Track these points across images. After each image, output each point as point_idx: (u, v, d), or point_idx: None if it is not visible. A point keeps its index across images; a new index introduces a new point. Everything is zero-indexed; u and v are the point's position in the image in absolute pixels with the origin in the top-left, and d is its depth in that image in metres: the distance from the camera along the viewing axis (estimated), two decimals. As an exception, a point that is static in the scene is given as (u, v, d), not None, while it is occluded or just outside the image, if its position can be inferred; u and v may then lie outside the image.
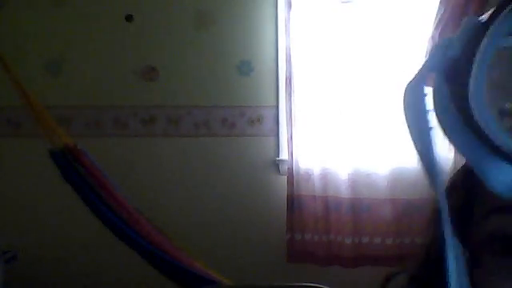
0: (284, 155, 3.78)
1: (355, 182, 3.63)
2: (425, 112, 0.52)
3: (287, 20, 3.65)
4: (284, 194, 3.70)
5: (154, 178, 3.87)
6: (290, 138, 3.66)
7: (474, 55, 0.48)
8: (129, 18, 3.84)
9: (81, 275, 3.84)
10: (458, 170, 0.65)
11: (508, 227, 0.54)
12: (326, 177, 3.65)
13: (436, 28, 3.27)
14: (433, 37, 3.28)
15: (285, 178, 3.71)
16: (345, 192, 3.63)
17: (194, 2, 3.85)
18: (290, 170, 3.67)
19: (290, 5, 3.64)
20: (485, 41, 0.48)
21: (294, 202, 3.67)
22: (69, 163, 3.01)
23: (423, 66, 0.53)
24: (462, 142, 0.49)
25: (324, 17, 3.64)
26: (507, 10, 0.48)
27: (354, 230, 3.64)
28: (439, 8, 3.28)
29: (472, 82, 0.47)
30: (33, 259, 3.73)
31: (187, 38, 3.85)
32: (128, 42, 3.86)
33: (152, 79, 3.87)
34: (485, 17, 0.50)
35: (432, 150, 0.50)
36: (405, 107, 0.53)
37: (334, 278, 3.45)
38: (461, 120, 0.49)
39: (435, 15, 3.30)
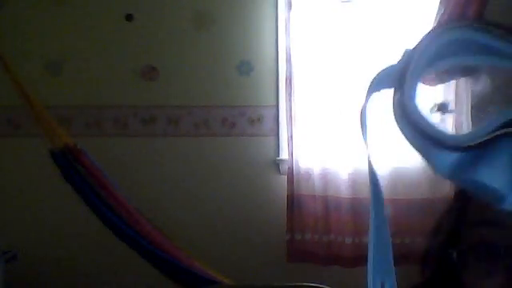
0: (284, 155, 3.78)
1: (355, 181, 3.63)
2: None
3: (287, 20, 3.65)
4: (284, 193, 3.70)
5: (153, 177, 3.87)
6: (290, 138, 3.66)
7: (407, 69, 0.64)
8: (129, 18, 3.84)
9: (81, 275, 3.84)
10: (454, 195, 0.79)
11: (490, 237, 0.67)
12: (326, 176, 3.65)
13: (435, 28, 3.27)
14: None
15: (285, 177, 3.71)
16: (345, 192, 3.63)
17: (194, 1, 3.85)
18: (290, 169, 3.67)
19: (290, 5, 3.64)
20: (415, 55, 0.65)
21: (294, 201, 3.68)
22: (69, 163, 3.01)
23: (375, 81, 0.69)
24: (412, 138, 0.61)
25: (324, 17, 3.64)
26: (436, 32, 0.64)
27: (354, 229, 3.64)
28: (439, 8, 3.28)
29: (406, 88, 0.62)
30: (33, 259, 3.73)
31: (187, 38, 3.85)
32: (128, 41, 3.86)
33: (152, 79, 3.87)
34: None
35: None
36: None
37: (334, 278, 3.45)
38: (405, 120, 0.62)
39: (435, 15, 3.31)
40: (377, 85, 0.67)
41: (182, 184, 3.87)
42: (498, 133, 0.53)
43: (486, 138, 0.54)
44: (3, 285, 3.27)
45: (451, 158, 0.56)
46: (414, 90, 0.63)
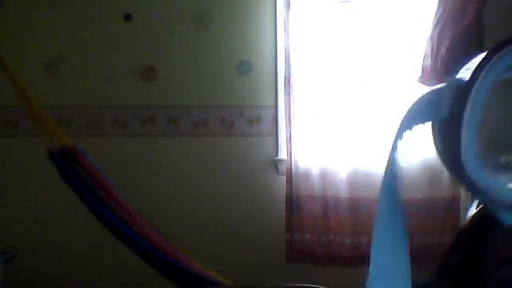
0: (283, 155, 3.78)
1: (354, 181, 3.63)
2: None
3: (286, 20, 3.65)
4: (283, 193, 3.70)
5: (152, 177, 3.87)
6: (289, 138, 3.66)
7: (461, 117, 0.54)
8: (128, 18, 3.84)
9: (80, 275, 3.84)
10: (472, 219, 0.79)
11: None
12: (324, 176, 3.65)
13: (435, 28, 3.27)
14: (431, 36, 3.28)
15: (284, 177, 3.71)
16: (344, 192, 3.63)
17: (193, 1, 3.84)
18: (289, 169, 3.67)
19: (288, 5, 3.64)
20: (469, 104, 0.54)
21: (292, 201, 3.67)
22: (68, 163, 3.01)
23: (412, 115, 0.62)
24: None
25: (323, 16, 3.64)
26: (487, 68, 0.53)
27: (353, 229, 3.64)
28: (438, 8, 3.28)
29: (463, 142, 0.54)
30: (32, 259, 3.73)
31: (186, 38, 3.85)
32: (127, 41, 3.86)
33: (151, 79, 3.87)
34: (467, 76, 0.55)
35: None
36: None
37: (333, 278, 3.45)
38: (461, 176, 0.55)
39: (434, 15, 3.31)
40: (415, 117, 0.61)
41: (181, 184, 3.87)
42: None
43: None
44: (2, 285, 3.26)
45: None
46: (473, 141, 0.53)
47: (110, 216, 2.99)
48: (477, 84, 0.53)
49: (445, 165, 0.57)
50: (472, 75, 0.54)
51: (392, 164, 0.61)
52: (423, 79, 3.42)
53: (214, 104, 3.86)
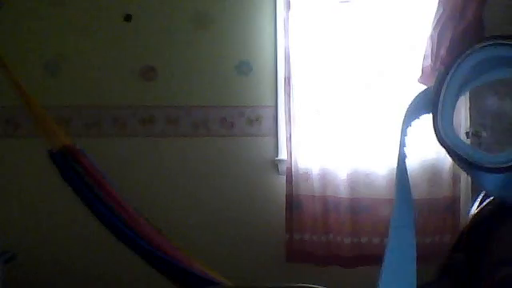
0: (283, 155, 3.78)
1: (354, 181, 3.63)
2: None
3: (286, 20, 3.65)
4: (283, 193, 3.70)
5: (152, 178, 3.87)
6: (289, 138, 3.66)
7: (438, 94, 0.69)
8: (128, 18, 3.84)
9: (79, 276, 3.84)
10: (473, 219, 0.83)
11: None
12: (324, 177, 3.65)
13: (435, 28, 3.27)
14: (431, 36, 3.28)
15: (284, 177, 3.71)
16: (344, 192, 3.63)
17: (193, 2, 3.84)
18: (289, 169, 3.67)
19: (288, 5, 3.64)
20: (444, 85, 0.68)
21: (292, 201, 3.67)
22: (68, 163, 3.01)
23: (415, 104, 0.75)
24: (455, 160, 0.65)
25: (323, 17, 3.64)
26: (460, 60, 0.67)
27: (353, 229, 3.64)
28: (438, 8, 3.28)
29: (439, 114, 0.67)
30: (32, 259, 3.73)
31: (186, 38, 3.85)
32: (127, 41, 3.86)
33: (151, 79, 3.87)
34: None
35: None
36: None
37: (333, 278, 3.45)
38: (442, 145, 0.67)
39: (434, 15, 3.31)
40: (413, 112, 0.72)
41: (181, 184, 3.87)
42: None
43: None
44: (2, 285, 3.27)
45: (495, 178, 0.59)
46: (448, 115, 0.66)
47: (110, 216, 2.99)
48: (452, 69, 0.67)
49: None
50: (451, 63, 0.69)
51: (402, 160, 0.72)
52: (423, 79, 3.43)
53: (214, 104, 3.86)
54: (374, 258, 3.59)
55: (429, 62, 3.30)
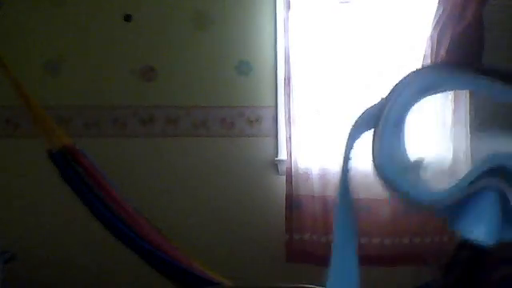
0: (283, 155, 3.78)
1: (353, 182, 3.62)
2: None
3: (286, 20, 3.65)
4: (283, 194, 3.70)
5: (152, 178, 3.87)
6: (289, 138, 3.66)
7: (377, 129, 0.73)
8: (127, 18, 3.84)
9: (79, 276, 3.84)
10: None
11: None
12: (324, 177, 3.65)
13: (434, 28, 3.27)
14: (431, 36, 3.29)
15: (283, 178, 3.71)
16: (344, 192, 3.62)
17: (193, 2, 3.84)
18: (289, 170, 3.67)
19: (288, 5, 3.64)
20: (383, 120, 0.71)
21: (292, 202, 3.67)
22: (67, 163, 3.00)
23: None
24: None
25: (323, 17, 3.64)
26: (400, 87, 0.67)
27: (353, 230, 3.63)
28: (438, 8, 3.28)
29: (376, 148, 0.70)
30: (31, 259, 3.73)
31: (186, 38, 3.85)
32: (127, 41, 3.86)
33: (151, 79, 3.87)
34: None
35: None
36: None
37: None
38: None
39: (434, 15, 3.31)
40: (357, 131, 0.76)
41: (181, 184, 3.87)
42: (476, 187, 0.55)
43: (467, 193, 0.56)
44: (2, 285, 3.26)
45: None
46: (389, 144, 0.66)
47: (110, 216, 2.99)
48: (390, 103, 0.66)
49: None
50: (390, 93, 0.66)
51: (345, 175, 0.73)
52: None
53: (214, 104, 3.86)
54: (373, 259, 3.59)
55: (429, 62, 3.31)
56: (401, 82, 0.65)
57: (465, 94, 3.55)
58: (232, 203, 3.85)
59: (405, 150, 0.65)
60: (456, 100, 3.54)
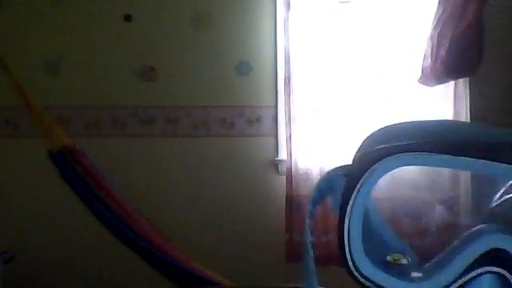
0: (283, 155, 3.78)
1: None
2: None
3: (286, 20, 3.65)
4: (283, 193, 3.70)
5: (152, 178, 3.87)
6: (289, 138, 3.66)
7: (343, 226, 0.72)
8: (128, 18, 3.84)
9: (79, 275, 3.84)
10: None
11: None
12: (324, 177, 3.64)
13: (435, 28, 3.27)
14: (431, 36, 3.28)
15: (283, 178, 3.71)
16: (343, 192, 3.62)
17: (193, 2, 3.85)
18: (289, 170, 3.67)
19: (288, 5, 3.64)
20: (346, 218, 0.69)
21: (292, 201, 3.67)
22: (67, 163, 3.01)
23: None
24: None
25: (322, 17, 3.64)
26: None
27: (353, 229, 3.63)
28: (438, 8, 3.28)
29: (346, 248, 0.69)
30: (31, 259, 3.73)
31: (186, 39, 3.85)
32: (127, 42, 3.86)
33: (151, 79, 3.87)
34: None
35: None
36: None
37: (333, 279, 3.45)
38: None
39: (434, 15, 3.31)
40: (318, 196, 0.79)
41: (181, 184, 3.87)
42: (473, 274, 0.55)
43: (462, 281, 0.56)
44: (2, 285, 3.27)
45: None
46: (358, 243, 0.70)
47: (110, 216, 2.99)
48: (351, 200, 0.72)
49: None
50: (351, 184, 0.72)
51: (306, 244, 0.79)
52: (423, 79, 3.43)
53: (214, 104, 3.86)
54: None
55: (429, 62, 3.30)
56: (369, 159, 0.67)
57: (465, 94, 3.55)
58: (232, 203, 3.85)
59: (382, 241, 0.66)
60: (456, 99, 3.55)
